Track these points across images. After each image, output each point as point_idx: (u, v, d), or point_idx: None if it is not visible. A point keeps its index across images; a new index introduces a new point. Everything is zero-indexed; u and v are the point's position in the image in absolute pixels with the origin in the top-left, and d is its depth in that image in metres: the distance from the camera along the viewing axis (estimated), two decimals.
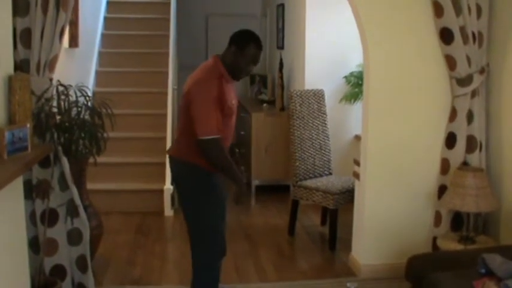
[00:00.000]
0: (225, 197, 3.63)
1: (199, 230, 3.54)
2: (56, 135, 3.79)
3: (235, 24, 9.13)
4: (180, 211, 3.94)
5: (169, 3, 7.80)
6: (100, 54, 7.55)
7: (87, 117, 4.11)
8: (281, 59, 7.07)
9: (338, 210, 5.07)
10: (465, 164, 4.18)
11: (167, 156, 3.78)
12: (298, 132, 5.34)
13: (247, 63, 3.46)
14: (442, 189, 4.23)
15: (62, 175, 3.81)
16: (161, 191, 5.94)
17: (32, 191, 3.64)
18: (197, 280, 3.60)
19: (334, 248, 5.02)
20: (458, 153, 4.19)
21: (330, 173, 5.57)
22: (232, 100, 3.48)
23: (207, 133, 3.31)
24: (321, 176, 5.47)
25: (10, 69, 3.42)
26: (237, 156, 3.83)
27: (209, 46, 9.20)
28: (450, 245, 3.94)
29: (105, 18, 7.96)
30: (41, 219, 3.71)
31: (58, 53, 3.72)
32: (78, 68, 6.30)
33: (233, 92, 3.55)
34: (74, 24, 5.87)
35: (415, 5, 4.20)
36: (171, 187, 5.81)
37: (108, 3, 8.10)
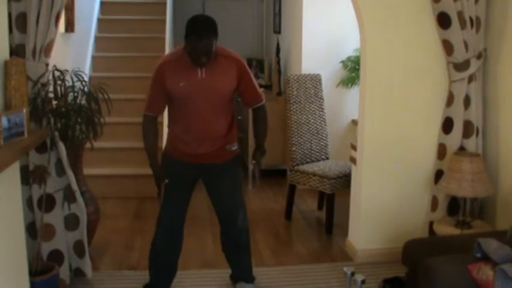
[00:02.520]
0: (181, 180, 3.66)
1: None
2: (52, 121, 3.79)
3: (232, 9, 9.22)
4: None
5: None
6: (96, 39, 7.52)
7: (83, 102, 4.11)
8: (278, 44, 7.06)
9: (335, 195, 5.08)
10: (462, 149, 4.18)
11: None
12: (295, 117, 5.34)
13: (194, 51, 3.35)
14: (438, 174, 4.24)
15: (59, 160, 3.80)
16: None
17: (28, 176, 3.64)
18: None
19: (331, 233, 5.04)
20: (455, 138, 4.19)
21: (327, 158, 5.58)
22: (181, 83, 3.44)
23: (144, 109, 3.62)
24: (317, 160, 5.48)
25: (6, 54, 3.41)
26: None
27: None
28: (446, 229, 3.96)
29: (101, 3, 7.92)
30: (38, 205, 3.71)
31: (54, 38, 3.70)
32: (74, 53, 6.27)
33: (192, 77, 3.46)
34: (69, 9, 5.85)
35: None
36: None
37: None
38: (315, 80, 5.58)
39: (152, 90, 3.56)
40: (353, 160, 4.61)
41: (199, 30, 3.33)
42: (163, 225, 3.73)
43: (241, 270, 3.99)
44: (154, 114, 3.62)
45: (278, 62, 6.96)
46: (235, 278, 4.02)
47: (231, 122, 3.70)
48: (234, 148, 3.72)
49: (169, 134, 3.73)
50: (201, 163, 3.63)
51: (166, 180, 3.59)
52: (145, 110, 3.61)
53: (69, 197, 3.86)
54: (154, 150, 3.65)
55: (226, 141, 3.66)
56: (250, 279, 3.98)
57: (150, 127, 3.63)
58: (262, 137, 3.92)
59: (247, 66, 3.64)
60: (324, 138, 5.57)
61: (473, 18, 4.04)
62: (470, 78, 4.13)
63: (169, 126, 3.72)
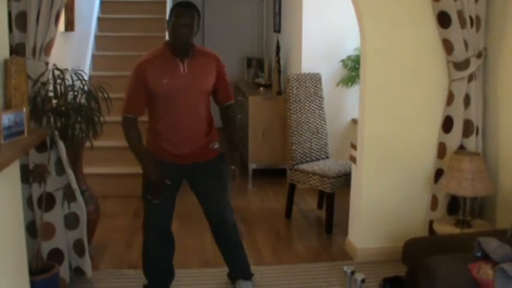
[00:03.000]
0: (167, 181, 3.61)
1: None
2: (52, 120, 3.79)
3: (232, 8, 9.21)
4: None
5: None
6: (96, 38, 7.51)
7: (83, 101, 4.11)
8: (278, 43, 7.05)
9: (335, 194, 5.08)
10: (462, 148, 4.18)
11: None
12: (295, 116, 5.34)
13: (176, 25, 3.45)
14: (438, 173, 4.24)
15: (59, 159, 3.81)
16: None
17: (28, 175, 3.64)
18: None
19: (331, 232, 5.04)
20: (455, 138, 4.19)
21: (327, 157, 5.58)
22: (163, 80, 3.48)
23: (122, 112, 3.55)
24: (317, 159, 5.48)
25: (6, 53, 3.41)
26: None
27: (205, 29, 9.17)
28: (446, 228, 3.96)
29: (101, 2, 7.91)
30: (38, 204, 3.71)
31: (54, 37, 3.70)
32: (74, 52, 6.27)
33: (175, 73, 3.52)
34: (69, 7, 5.85)
35: None
36: None
37: None
38: (315, 79, 5.58)
39: (132, 90, 3.54)
40: (353, 159, 4.61)
41: (182, 4, 3.49)
42: (154, 229, 3.76)
43: (238, 268, 4.00)
44: (135, 115, 3.56)
45: (278, 61, 6.95)
46: (233, 276, 4.02)
47: (210, 120, 3.72)
48: (216, 146, 3.74)
49: (150, 134, 3.67)
50: (184, 163, 3.64)
51: (168, 182, 3.57)
52: (125, 112, 3.55)
53: (69, 196, 3.86)
54: (142, 150, 3.61)
55: (208, 140, 3.69)
56: (248, 276, 3.99)
57: (132, 129, 3.56)
58: (236, 136, 3.91)
59: (223, 64, 3.71)
60: (323, 137, 5.56)
61: (473, 17, 4.04)
62: (470, 77, 4.13)
63: (150, 126, 3.67)
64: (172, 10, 3.49)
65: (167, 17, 3.61)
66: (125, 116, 3.55)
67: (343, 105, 6.22)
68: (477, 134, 4.19)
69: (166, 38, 6.85)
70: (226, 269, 4.07)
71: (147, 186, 3.66)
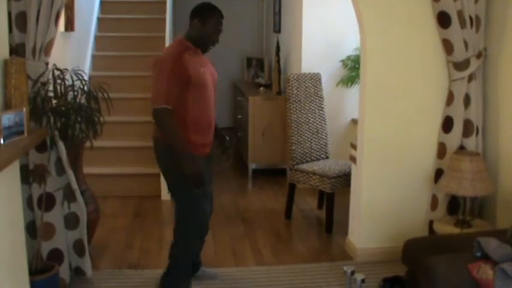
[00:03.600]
0: (206, 174, 3.57)
1: (179, 207, 3.70)
2: (52, 120, 3.79)
3: (232, 8, 9.19)
4: None
5: None
6: (96, 38, 7.52)
7: (83, 101, 4.11)
8: (278, 43, 7.05)
9: (335, 194, 5.08)
10: (462, 148, 4.18)
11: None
12: (295, 116, 5.34)
13: (212, 33, 3.60)
14: (438, 173, 4.24)
15: (59, 159, 3.81)
16: (158, 175, 5.91)
17: (28, 175, 3.64)
18: (174, 258, 3.76)
19: (331, 232, 5.04)
20: (455, 138, 4.19)
21: (327, 157, 5.57)
22: (201, 69, 3.56)
23: (154, 103, 3.44)
24: (317, 159, 5.48)
25: (6, 53, 3.41)
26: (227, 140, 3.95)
27: None
28: (446, 228, 3.96)
29: (101, 2, 7.92)
30: (37, 204, 3.71)
31: (54, 37, 3.70)
32: (74, 52, 6.27)
33: (205, 64, 3.67)
34: (69, 7, 5.85)
35: None
36: None
37: None
38: (315, 79, 5.57)
39: (170, 81, 3.42)
40: (353, 159, 4.61)
41: (220, 13, 3.61)
42: (204, 229, 3.78)
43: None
44: (171, 107, 3.42)
45: (278, 61, 6.95)
46: (195, 267, 4.07)
47: None
48: None
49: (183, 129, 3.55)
50: (206, 155, 3.71)
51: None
52: (163, 103, 3.40)
53: (69, 196, 3.86)
54: (185, 140, 3.49)
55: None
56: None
57: (174, 119, 3.44)
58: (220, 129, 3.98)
59: None
60: (323, 137, 5.56)
61: (473, 17, 4.04)
62: (470, 77, 4.13)
63: (183, 121, 3.55)
64: (210, 14, 3.58)
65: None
66: (163, 107, 3.40)
67: (343, 105, 6.22)
68: (477, 134, 4.19)
69: (166, 37, 6.89)
70: (228, 269, 4.08)
71: (189, 180, 3.46)
